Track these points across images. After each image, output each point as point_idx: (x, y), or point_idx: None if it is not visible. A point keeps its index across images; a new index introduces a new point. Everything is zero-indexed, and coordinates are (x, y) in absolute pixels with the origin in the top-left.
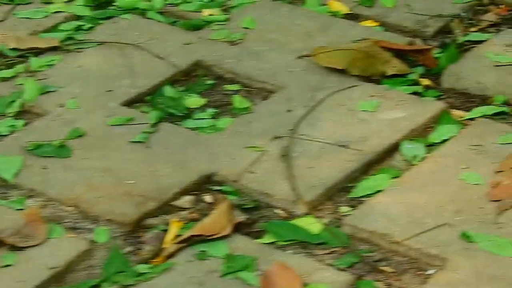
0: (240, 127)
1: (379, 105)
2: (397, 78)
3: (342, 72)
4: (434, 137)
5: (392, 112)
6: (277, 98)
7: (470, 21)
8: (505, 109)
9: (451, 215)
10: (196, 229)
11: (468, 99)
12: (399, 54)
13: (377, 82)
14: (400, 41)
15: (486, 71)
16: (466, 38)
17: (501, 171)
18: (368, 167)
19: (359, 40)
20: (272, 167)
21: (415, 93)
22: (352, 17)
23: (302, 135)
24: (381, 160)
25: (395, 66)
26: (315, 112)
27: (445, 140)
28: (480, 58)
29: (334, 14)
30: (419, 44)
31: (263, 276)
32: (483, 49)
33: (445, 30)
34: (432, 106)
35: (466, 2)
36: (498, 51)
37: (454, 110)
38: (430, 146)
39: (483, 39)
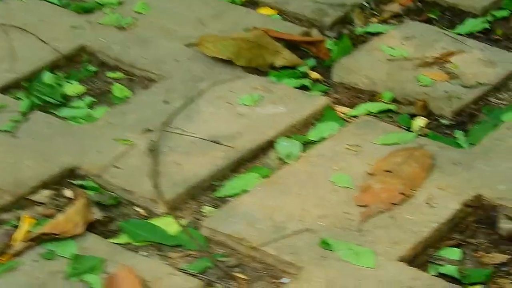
0: (114, 118)
1: (261, 99)
2: (287, 70)
3: (228, 62)
4: (313, 134)
5: (273, 107)
6: (157, 88)
7: (373, 11)
8: (391, 107)
9: (314, 220)
10: (47, 227)
11: (356, 95)
12: (291, 45)
13: (265, 74)
14: (295, 31)
15: (378, 65)
16: (366, 30)
17: (374, 174)
18: (239, 165)
19: (250, 29)
20: (138, 162)
21: (302, 87)
22: (251, 3)
23: (175, 128)
24: (254, 157)
25: (285, 57)
26: (193, 104)
27: (324, 138)
28: (375, 51)
29: (233, 1)
30: (315, 34)
31: (106, 280)
32: (379, 42)
33: (345, 21)
34: (316, 102)
35: None
36: (394, 44)
37: (339, 106)
38: (308, 144)
39: (382, 31)
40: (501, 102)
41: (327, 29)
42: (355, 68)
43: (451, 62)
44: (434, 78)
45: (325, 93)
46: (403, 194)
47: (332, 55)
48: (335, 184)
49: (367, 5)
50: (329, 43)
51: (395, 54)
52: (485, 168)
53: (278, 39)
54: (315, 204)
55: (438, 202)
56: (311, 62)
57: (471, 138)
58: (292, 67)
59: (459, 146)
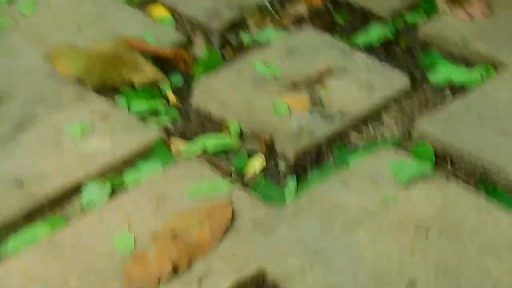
0: None
1: (90, 130)
2: (147, 88)
3: (80, 80)
4: (129, 177)
5: (98, 142)
6: None
7: (276, 13)
8: (232, 142)
9: None
10: None
11: (204, 124)
12: (161, 58)
13: (115, 93)
14: (174, 40)
15: (239, 87)
16: (254, 38)
17: (157, 238)
18: (36, 213)
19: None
20: None
21: (154, 112)
22: (145, 2)
23: None
24: (55, 204)
25: (146, 73)
26: (19, 133)
27: (139, 182)
28: (245, 68)
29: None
30: (198, 43)
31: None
32: (256, 56)
33: (241, 25)
34: (147, 134)
35: None
36: (272, 59)
37: (179, 139)
38: (121, 188)
39: (272, 40)
40: (362, 139)
41: (219, 35)
42: (213, 89)
43: (324, 84)
44: (294, 106)
45: (173, 120)
46: (176, 267)
47: (196, 71)
48: (114, 248)
49: (268, 5)
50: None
51: (266, 72)
52: (286, 235)
53: (141, 51)
54: (81, 271)
55: (211, 279)
56: (177, 79)
57: (301, 190)
58: (154, 85)
59: (282, 200)
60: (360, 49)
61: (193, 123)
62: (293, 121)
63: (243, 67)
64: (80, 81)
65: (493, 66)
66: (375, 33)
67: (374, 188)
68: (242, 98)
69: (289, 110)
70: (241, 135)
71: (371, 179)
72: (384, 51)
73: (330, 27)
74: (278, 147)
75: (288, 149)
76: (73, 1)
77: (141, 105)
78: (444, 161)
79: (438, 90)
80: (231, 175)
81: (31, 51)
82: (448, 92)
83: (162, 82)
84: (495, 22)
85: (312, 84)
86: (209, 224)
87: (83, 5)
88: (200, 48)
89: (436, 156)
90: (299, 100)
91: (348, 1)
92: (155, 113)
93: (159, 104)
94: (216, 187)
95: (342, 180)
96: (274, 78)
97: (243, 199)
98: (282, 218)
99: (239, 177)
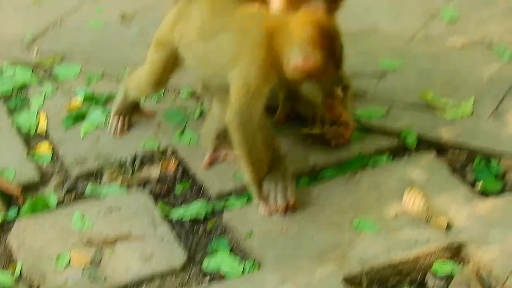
0: None
1: None
2: None
3: None
4: None
5: None
6: None
7: (132, 171)
8: (9, 282)
9: None
10: None
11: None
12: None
13: None
14: (33, 175)
15: (44, 233)
16: (97, 189)
17: None
18: None
19: None
20: None
21: None
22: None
23: None
24: None
25: None
26: None
27: None
28: (66, 215)
29: None
30: (53, 183)
31: None
32: (82, 206)
33: (100, 174)
34: None
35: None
36: (91, 213)
37: None
38: None
39: (108, 194)
40: None
41: (74, 180)
42: (25, 232)
43: (113, 248)
44: (75, 261)
45: None
46: None
47: (23, 211)
48: None
49: (128, 163)
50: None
51: (78, 224)
52: None
53: None
54: None
55: None
56: (13, 213)
57: None
58: None
59: None
60: (171, 221)
61: None
62: (64, 275)
63: (64, 214)
64: None
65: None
66: (193, 210)
67: None
68: (40, 244)
69: (69, 264)
70: (20, 276)
71: None
72: (190, 228)
73: (164, 195)
74: None
75: None
76: None
77: None
78: None
79: (203, 275)
80: None
81: None
82: (211, 278)
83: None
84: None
85: (103, 245)
86: None
87: None
88: (48, 189)
89: None
90: (80, 257)
91: (194, 176)
92: None
93: None
94: None
95: None
96: (80, 231)
97: None
98: None
99: None
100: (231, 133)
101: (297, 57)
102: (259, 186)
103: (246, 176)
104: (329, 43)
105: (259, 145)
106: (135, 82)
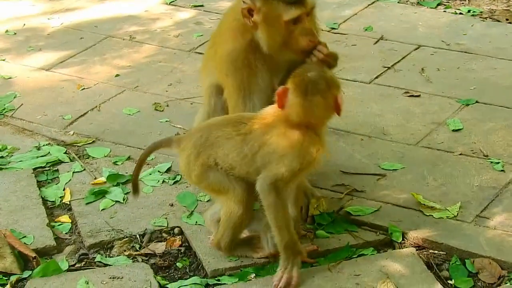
0: None
1: None
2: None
3: None
4: None
5: None
6: None
7: (140, 245)
8: None
9: None
10: None
11: None
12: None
13: None
14: (51, 242)
15: None
16: (104, 258)
17: None
18: None
19: None
20: None
21: None
22: (65, 208)
23: None
24: None
25: (5, 262)
26: None
27: None
28: (72, 281)
29: None
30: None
31: None
32: (88, 274)
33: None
34: None
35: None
36: (97, 280)
37: None
38: None
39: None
40: None
41: (86, 250)
42: None
43: None
44: None
45: None
46: None
47: (35, 274)
48: None
49: (137, 238)
50: None
51: None
52: None
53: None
54: None
55: None
56: (27, 274)
57: None
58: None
59: None
60: None
61: None
62: None
63: (71, 279)
64: None
65: None
66: (188, 285)
67: None
68: None
69: None
70: None
71: None
72: None
73: (165, 268)
74: None
75: None
76: None
77: None
78: None
79: None
80: None
81: None
82: None
83: (15, 272)
84: None
85: None
86: None
87: None
88: (61, 256)
89: None
90: None
91: (195, 254)
92: None
93: None
94: None
95: None
96: None
97: None
98: None
99: None
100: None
101: None
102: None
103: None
104: None
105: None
106: None
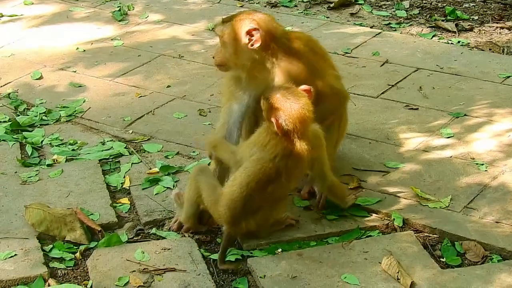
0: None
1: None
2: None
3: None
4: None
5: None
6: None
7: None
8: None
9: None
10: None
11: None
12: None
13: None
14: (113, 218)
15: (113, 263)
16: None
17: None
18: None
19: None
20: None
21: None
22: (124, 191)
23: None
24: None
25: (75, 234)
26: None
27: None
28: (131, 250)
29: None
30: (126, 226)
31: None
32: (152, 245)
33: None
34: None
35: None
36: (151, 250)
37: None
38: None
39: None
40: None
41: (139, 228)
42: (96, 259)
43: None
44: None
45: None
46: None
47: (100, 243)
48: None
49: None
50: None
51: (144, 257)
52: None
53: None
54: None
55: None
56: (94, 244)
57: None
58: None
59: None
60: (209, 262)
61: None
62: None
63: (130, 249)
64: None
65: None
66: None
67: None
68: (108, 268)
69: (127, 284)
70: None
71: None
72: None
73: (208, 242)
74: None
75: None
76: None
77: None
78: None
79: None
80: None
81: None
82: None
83: (84, 242)
84: None
85: (154, 273)
86: None
87: None
88: (122, 230)
89: None
90: (136, 280)
91: None
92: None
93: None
94: None
95: None
96: (139, 262)
97: None
98: None
99: None
100: None
101: None
102: None
103: None
104: None
105: None
106: None
